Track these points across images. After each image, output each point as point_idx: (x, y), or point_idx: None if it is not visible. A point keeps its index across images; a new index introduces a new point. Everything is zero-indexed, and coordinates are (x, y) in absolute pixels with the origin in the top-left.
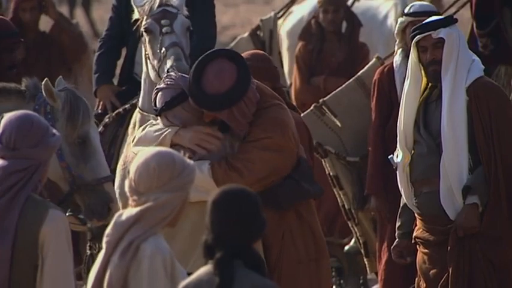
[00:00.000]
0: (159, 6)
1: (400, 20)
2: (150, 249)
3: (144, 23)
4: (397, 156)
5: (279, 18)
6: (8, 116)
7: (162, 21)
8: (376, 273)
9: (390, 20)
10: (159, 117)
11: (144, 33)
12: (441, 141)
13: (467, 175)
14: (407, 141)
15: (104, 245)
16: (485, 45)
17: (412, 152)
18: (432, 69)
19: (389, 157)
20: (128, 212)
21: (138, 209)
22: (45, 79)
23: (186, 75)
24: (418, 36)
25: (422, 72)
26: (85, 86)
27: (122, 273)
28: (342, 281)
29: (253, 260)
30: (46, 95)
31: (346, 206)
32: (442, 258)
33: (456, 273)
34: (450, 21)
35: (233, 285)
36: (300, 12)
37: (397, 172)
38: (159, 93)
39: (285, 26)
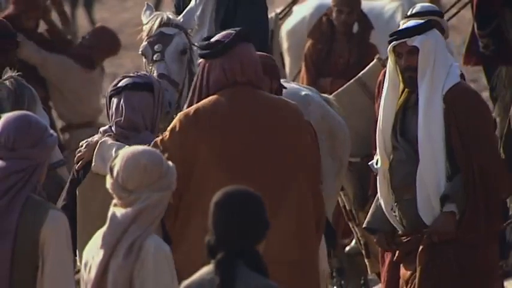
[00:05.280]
0: (158, 26)
1: (402, 22)
2: (153, 246)
3: (141, 44)
4: (376, 163)
5: (280, 18)
6: (6, 116)
7: (155, 47)
8: (377, 274)
9: (397, 21)
10: (112, 99)
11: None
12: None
13: (445, 183)
14: (386, 146)
15: (101, 247)
16: (486, 45)
17: (391, 158)
18: (408, 75)
19: (369, 163)
20: (121, 211)
21: (132, 209)
22: None
23: (160, 80)
24: (393, 42)
25: (400, 77)
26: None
27: (127, 274)
28: (343, 282)
29: (254, 261)
30: None
31: (347, 207)
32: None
33: (424, 275)
34: (427, 27)
35: (235, 285)
36: (301, 12)
37: (377, 178)
38: (125, 78)
39: (286, 26)
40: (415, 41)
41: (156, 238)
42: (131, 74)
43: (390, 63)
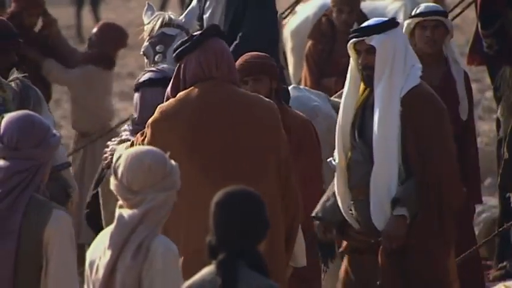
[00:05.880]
0: (160, 27)
1: (406, 22)
2: (162, 246)
3: (143, 45)
4: (334, 160)
5: (284, 18)
6: (8, 116)
7: (157, 47)
8: None
9: (399, 20)
10: (135, 94)
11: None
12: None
13: (397, 187)
14: (344, 144)
15: (108, 247)
16: (490, 45)
17: (349, 156)
18: (366, 73)
19: (328, 160)
20: (127, 212)
21: (139, 210)
22: None
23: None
24: (353, 40)
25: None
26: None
27: (136, 275)
28: None
29: (256, 261)
30: None
31: None
32: (372, 267)
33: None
34: (388, 26)
35: (237, 285)
36: (305, 12)
37: (335, 175)
38: (145, 74)
39: (290, 26)
40: (372, 40)
41: (163, 238)
42: (152, 69)
43: (351, 61)
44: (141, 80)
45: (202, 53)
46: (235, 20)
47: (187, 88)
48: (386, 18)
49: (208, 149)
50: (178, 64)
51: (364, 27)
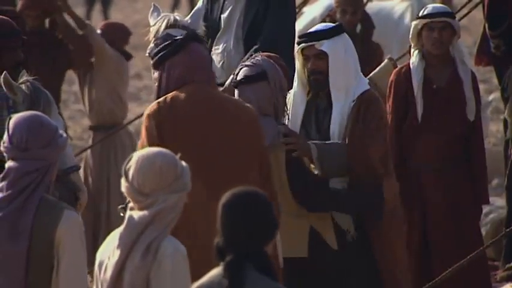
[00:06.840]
0: (165, 28)
1: (414, 23)
2: (171, 247)
3: (149, 46)
4: None
5: None
6: (16, 117)
7: None
8: None
9: (406, 21)
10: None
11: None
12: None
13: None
14: None
15: (117, 247)
16: (497, 46)
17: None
18: (313, 78)
19: None
20: (138, 213)
21: (150, 211)
22: (4, 72)
23: (270, 60)
24: (302, 45)
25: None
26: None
27: (145, 274)
28: None
29: (263, 263)
30: (6, 89)
31: None
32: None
33: None
34: (336, 32)
35: (244, 287)
36: (312, 13)
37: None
38: (241, 69)
39: (297, 27)
40: (323, 45)
41: (172, 239)
42: (247, 63)
43: (297, 65)
44: (238, 78)
45: (186, 55)
46: (256, 21)
47: (169, 90)
48: (333, 24)
49: (197, 148)
50: (160, 68)
51: (313, 32)
